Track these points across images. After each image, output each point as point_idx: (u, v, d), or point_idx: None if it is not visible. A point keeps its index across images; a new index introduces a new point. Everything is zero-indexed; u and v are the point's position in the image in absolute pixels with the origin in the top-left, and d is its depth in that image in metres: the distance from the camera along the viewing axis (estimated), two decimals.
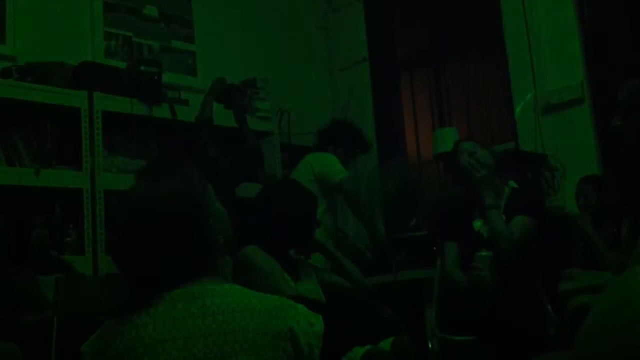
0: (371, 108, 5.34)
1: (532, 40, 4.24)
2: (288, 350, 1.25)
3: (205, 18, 4.88)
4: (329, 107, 5.50)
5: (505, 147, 4.33)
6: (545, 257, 3.32)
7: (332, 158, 3.83)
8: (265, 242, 2.54)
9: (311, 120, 5.15)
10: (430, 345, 3.08)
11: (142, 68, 4.03)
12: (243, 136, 3.95)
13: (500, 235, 2.95)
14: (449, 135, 4.46)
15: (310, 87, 5.37)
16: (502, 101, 4.58)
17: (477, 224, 3.13)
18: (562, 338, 2.78)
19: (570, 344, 0.88)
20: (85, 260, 3.55)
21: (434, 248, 3.55)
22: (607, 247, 3.28)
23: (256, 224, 2.60)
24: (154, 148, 4.12)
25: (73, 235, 3.61)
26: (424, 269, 3.67)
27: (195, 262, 1.35)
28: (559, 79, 4.13)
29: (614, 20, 4.07)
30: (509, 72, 4.43)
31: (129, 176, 3.67)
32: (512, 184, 3.39)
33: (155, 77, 4.05)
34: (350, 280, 2.74)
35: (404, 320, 2.65)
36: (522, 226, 3.00)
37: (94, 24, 4.31)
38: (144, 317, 1.28)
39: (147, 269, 1.34)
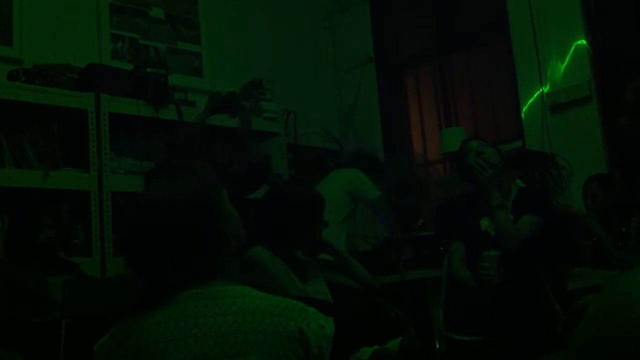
0: (377, 108, 5.34)
1: (539, 39, 4.23)
2: (298, 351, 1.26)
3: (211, 19, 4.89)
4: (335, 108, 5.51)
5: (512, 146, 4.33)
6: (553, 256, 3.31)
7: (363, 175, 4.10)
8: (271, 242, 2.54)
9: (317, 121, 5.17)
10: (437, 346, 3.07)
11: (149, 70, 4.04)
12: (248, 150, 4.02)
13: (507, 235, 2.94)
14: (455, 134, 4.46)
15: (316, 88, 5.38)
16: (509, 100, 4.57)
17: (484, 223, 3.12)
18: (570, 337, 2.77)
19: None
20: (93, 261, 3.56)
21: (441, 248, 3.55)
22: (615, 245, 3.27)
23: (262, 224, 2.60)
24: (160, 149, 4.13)
25: (81, 237, 3.62)
26: (431, 269, 3.67)
27: (207, 264, 1.35)
28: (566, 77, 4.13)
29: (621, 18, 4.06)
30: (516, 71, 4.43)
31: (136, 177, 3.71)
32: (519, 182, 3.39)
33: (162, 79, 4.06)
34: (358, 281, 2.74)
35: (411, 321, 2.65)
36: (529, 226, 2.99)
37: (100, 26, 4.32)
38: (157, 316, 1.29)
39: (159, 269, 1.35)
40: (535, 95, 4.26)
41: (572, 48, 4.11)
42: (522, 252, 2.94)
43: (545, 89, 4.20)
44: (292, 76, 5.09)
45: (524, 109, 4.33)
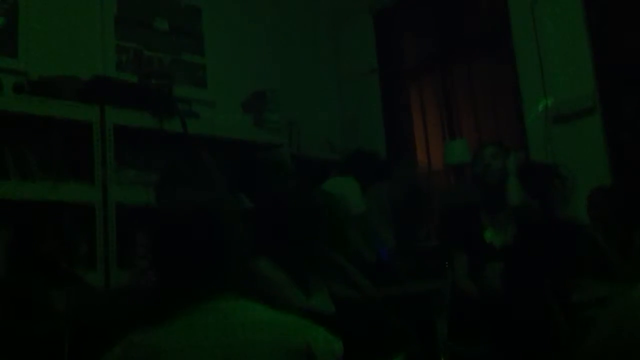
0: (380, 118, 5.34)
1: (542, 50, 4.24)
2: None
3: (215, 30, 4.91)
4: (338, 118, 5.51)
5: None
6: (557, 267, 3.31)
7: (353, 186, 3.97)
8: (274, 254, 2.54)
9: (321, 132, 5.18)
10: (441, 358, 3.07)
11: (153, 81, 4.05)
12: None
13: None
14: (458, 146, 4.47)
15: (319, 99, 5.39)
16: (512, 110, 4.58)
17: (488, 234, 3.12)
18: (574, 349, 2.76)
19: None
20: (97, 273, 3.56)
21: (446, 263, 3.54)
22: (619, 257, 3.26)
23: (265, 235, 2.60)
24: (165, 161, 4.14)
25: (84, 249, 3.62)
26: (435, 280, 3.66)
27: (215, 275, 1.36)
28: (570, 88, 4.13)
29: (625, 29, 4.06)
30: (519, 81, 4.43)
31: (141, 189, 3.71)
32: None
33: (166, 90, 4.07)
34: (361, 293, 2.73)
35: (415, 333, 2.64)
36: None
37: (104, 38, 4.34)
38: (166, 327, 1.30)
39: (171, 280, 1.36)
40: (539, 106, 4.26)
41: (576, 59, 4.11)
42: (525, 264, 2.94)
43: (549, 100, 4.20)
44: (295, 87, 5.11)
45: (528, 119, 4.33)
